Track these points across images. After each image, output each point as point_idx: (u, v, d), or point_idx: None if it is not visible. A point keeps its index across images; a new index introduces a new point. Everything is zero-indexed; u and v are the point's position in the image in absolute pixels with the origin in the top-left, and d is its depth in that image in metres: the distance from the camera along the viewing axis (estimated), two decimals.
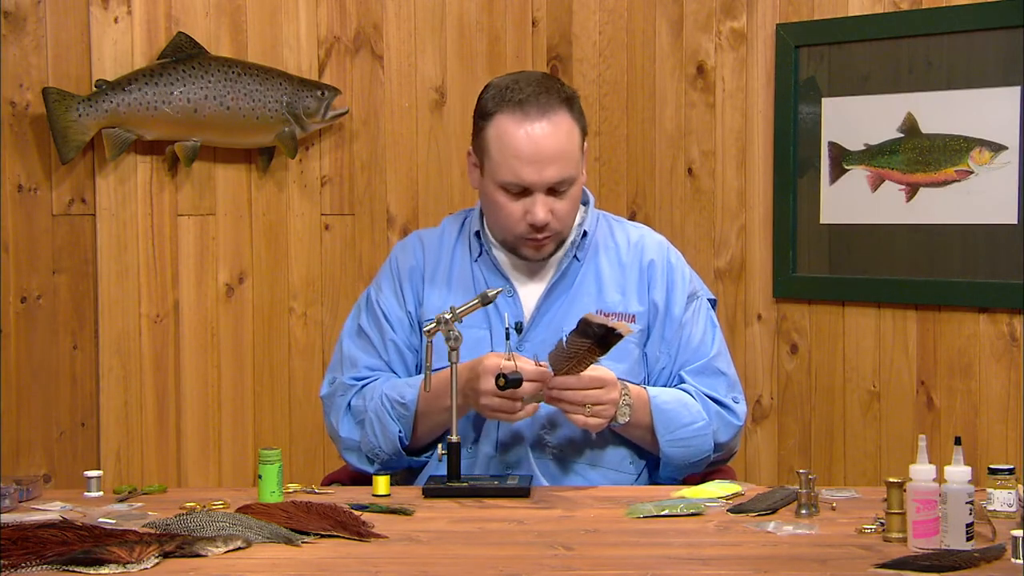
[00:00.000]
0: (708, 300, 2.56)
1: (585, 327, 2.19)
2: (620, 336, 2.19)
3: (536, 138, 2.35)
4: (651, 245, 2.53)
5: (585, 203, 2.54)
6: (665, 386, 2.46)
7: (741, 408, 2.47)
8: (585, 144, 2.46)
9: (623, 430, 2.36)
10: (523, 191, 2.37)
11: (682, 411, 2.39)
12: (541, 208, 2.37)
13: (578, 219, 2.51)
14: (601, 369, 2.28)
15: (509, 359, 2.26)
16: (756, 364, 3.57)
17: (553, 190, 2.38)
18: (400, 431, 2.40)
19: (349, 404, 2.47)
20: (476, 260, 2.50)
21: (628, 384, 2.34)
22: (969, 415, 3.23)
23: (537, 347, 2.41)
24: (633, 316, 2.45)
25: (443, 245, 2.54)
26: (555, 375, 2.25)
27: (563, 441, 2.41)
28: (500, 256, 2.49)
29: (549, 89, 2.40)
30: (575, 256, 2.48)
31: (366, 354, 2.50)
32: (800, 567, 1.78)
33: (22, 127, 3.36)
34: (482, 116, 2.42)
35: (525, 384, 2.23)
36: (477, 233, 2.50)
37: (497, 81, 2.45)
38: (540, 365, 2.27)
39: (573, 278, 2.47)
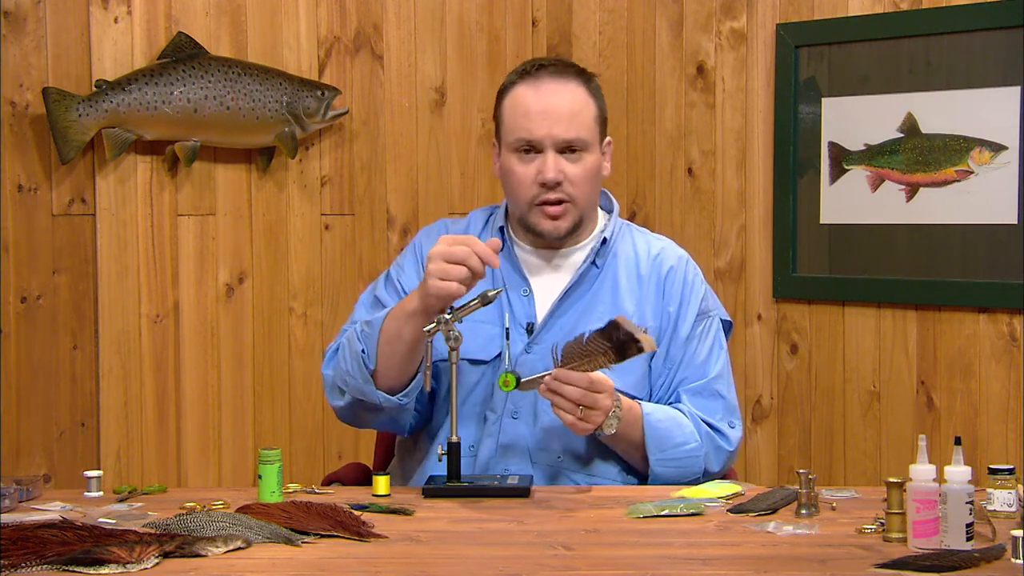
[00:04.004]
0: (722, 321, 2.52)
1: (612, 329, 2.16)
2: (641, 349, 2.16)
3: (546, 97, 2.39)
4: (670, 258, 2.50)
5: (609, 210, 2.54)
6: (660, 400, 2.43)
7: (735, 434, 2.43)
8: (607, 137, 2.47)
9: (610, 440, 2.32)
10: (534, 151, 2.38)
11: (675, 430, 2.35)
12: (551, 164, 2.37)
13: (600, 225, 2.51)
14: (604, 375, 2.24)
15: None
16: (756, 364, 3.56)
17: (565, 153, 2.38)
18: (363, 349, 2.34)
19: (339, 347, 2.44)
20: (497, 254, 2.49)
21: (621, 396, 2.29)
22: (969, 415, 3.23)
23: (546, 350, 2.38)
24: (645, 329, 2.42)
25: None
26: (561, 366, 2.21)
27: (560, 448, 2.39)
28: (521, 254, 2.48)
29: (566, 65, 2.46)
30: (594, 262, 2.46)
31: None
32: (800, 567, 1.78)
33: (22, 127, 3.36)
34: (500, 93, 2.46)
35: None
36: (501, 228, 2.50)
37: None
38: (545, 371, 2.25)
39: (590, 284, 2.45)
